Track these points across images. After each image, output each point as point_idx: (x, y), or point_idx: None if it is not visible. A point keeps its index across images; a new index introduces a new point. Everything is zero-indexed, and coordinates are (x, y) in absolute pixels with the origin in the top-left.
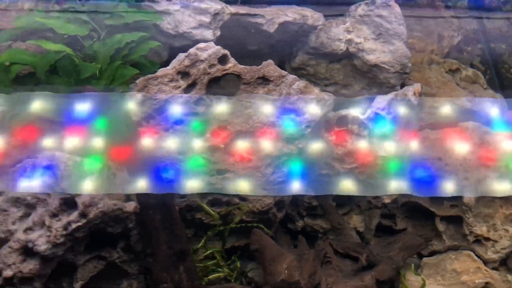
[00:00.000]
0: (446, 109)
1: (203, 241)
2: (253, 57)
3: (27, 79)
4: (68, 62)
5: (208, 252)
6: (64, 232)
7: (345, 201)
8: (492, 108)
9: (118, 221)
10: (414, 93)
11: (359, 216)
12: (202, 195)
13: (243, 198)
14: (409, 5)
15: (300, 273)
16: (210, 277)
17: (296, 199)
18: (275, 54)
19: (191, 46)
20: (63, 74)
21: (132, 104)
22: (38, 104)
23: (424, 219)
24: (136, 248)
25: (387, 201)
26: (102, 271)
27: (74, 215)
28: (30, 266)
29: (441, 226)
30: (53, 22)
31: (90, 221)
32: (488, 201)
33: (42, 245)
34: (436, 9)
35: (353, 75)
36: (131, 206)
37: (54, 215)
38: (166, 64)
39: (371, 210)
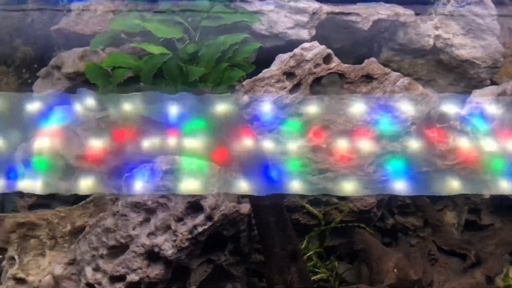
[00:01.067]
0: None
1: (305, 241)
2: (340, 54)
3: (129, 83)
4: (173, 65)
5: (310, 253)
6: (189, 236)
7: (439, 197)
8: None
9: (233, 224)
10: None
11: (453, 212)
12: (301, 195)
13: (342, 197)
14: None
15: (414, 271)
16: (313, 278)
17: (389, 197)
18: (361, 51)
19: (283, 47)
20: (168, 77)
21: (239, 106)
22: (148, 106)
23: None
24: (244, 251)
25: (487, 197)
26: (209, 275)
27: (200, 218)
28: (156, 271)
29: None
30: (150, 24)
31: (214, 224)
32: None
33: (168, 250)
34: (504, 5)
35: (436, 70)
36: (245, 207)
37: (179, 219)
38: (257, 65)
39: (463, 206)
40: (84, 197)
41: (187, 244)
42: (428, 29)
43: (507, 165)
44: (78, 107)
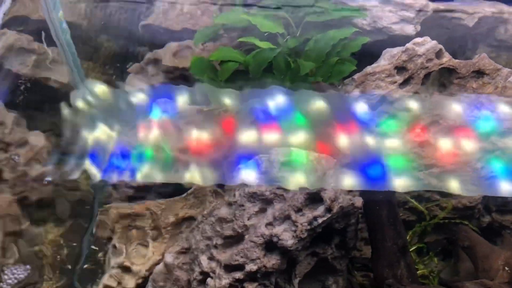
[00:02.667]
0: None
1: (408, 237)
2: None
3: (237, 77)
4: (282, 59)
5: (413, 248)
6: (308, 227)
7: None
8: None
9: (346, 217)
10: None
11: None
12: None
13: (444, 194)
14: None
15: None
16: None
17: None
18: (453, 47)
19: (386, 41)
20: (277, 71)
21: (349, 101)
22: (260, 99)
23: None
24: (349, 245)
25: None
26: (313, 267)
27: (320, 209)
28: (273, 260)
29: None
30: (256, 19)
31: (332, 216)
32: None
33: (288, 240)
34: None
35: None
36: (359, 201)
37: (298, 210)
38: (358, 59)
39: None
40: (182, 190)
41: (306, 235)
42: None
43: None
44: (181, 101)
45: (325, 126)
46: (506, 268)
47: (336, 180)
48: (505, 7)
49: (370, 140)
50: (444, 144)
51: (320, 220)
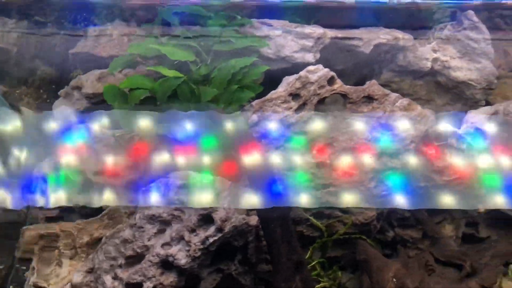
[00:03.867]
0: None
1: (309, 252)
2: (343, 75)
3: (145, 104)
4: (186, 87)
5: (314, 263)
6: (201, 246)
7: (438, 211)
8: None
9: (242, 235)
10: (505, 109)
11: (451, 226)
12: (306, 209)
13: (345, 211)
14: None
15: (411, 280)
16: (317, 286)
17: (388, 211)
18: (362, 72)
19: (289, 69)
20: (181, 98)
21: (248, 124)
22: (159, 125)
23: (509, 228)
24: (252, 260)
25: (482, 211)
26: (218, 284)
27: (211, 229)
28: (170, 278)
29: None
30: (165, 48)
31: (224, 235)
32: None
33: (182, 259)
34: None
35: (435, 91)
36: (254, 219)
37: (192, 230)
38: (265, 86)
39: (460, 220)
40: (100, 210)
41: (199, 254)
42: (426, 52)
43: (499, 181)
44: (96, 126)
45: (228, 148)
46: (394, 280)
47: (232, 200)
48: (400, 34)
49: (269, 161)
50: (339, 164)
51: (211, 240)
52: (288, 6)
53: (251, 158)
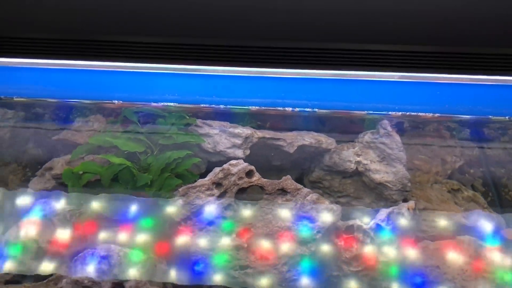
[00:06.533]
0: (444, 223)
1: None
2: (277, 170)
3: (94, 185)
4: (127, 172)
5: None
6: None
7: None
8: (488, 225)
9: None
10: (408, 209)
11: None
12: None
13: None
14: (418, 133)
15: None
16: None
17: None
18: (295, 169)
19: (225, 162)
20: (122, 182)
21: (174, 208)
22: (100, 205)
23: None
24: None
25: None
26: None
27: None
28: None
29: None
30: (118, 141)
31: None
32: None
33: None
34: (442, 138)
35: (362, 189)
36: None
37: None
38: (204, 175)
39: None
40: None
41: None
42: (350, 155)
43: (401, 273)
44: (57, 203)
45: (155, 228)
46: None
47: (149, 274)
48: (323, 138)
49: (192, 242)
50: (256, 248)
51: None
52: (236, 112)
53: (174, 238)
